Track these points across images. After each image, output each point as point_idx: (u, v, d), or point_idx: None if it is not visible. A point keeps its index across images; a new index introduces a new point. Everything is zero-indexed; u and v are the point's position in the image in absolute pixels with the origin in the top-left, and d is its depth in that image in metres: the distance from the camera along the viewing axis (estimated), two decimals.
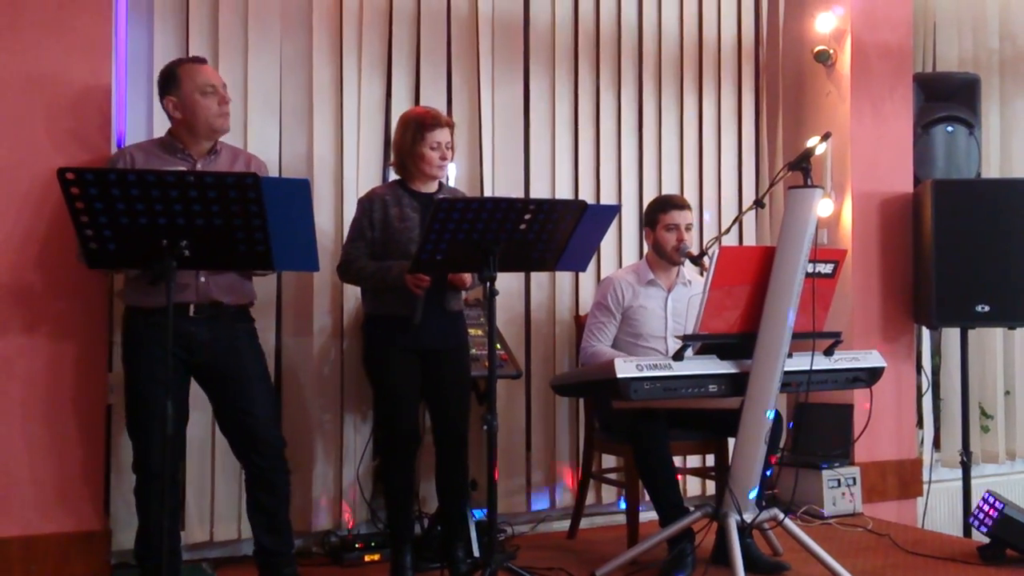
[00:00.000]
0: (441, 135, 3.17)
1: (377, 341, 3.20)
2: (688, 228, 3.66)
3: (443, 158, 3.19)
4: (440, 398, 3.23)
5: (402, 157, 3.23)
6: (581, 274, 4.17)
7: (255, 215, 2.39)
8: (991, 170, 5.09)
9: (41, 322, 3.09)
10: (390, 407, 3.18)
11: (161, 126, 3.40)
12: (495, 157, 4.04)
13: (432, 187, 3.26)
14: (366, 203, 3.21)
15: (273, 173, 3.54)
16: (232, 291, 2.92)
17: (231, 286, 2.92)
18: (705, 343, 3.08)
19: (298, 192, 2.48)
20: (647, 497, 3.43)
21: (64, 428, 3.10)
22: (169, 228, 2.38)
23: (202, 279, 2.85)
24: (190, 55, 3.16)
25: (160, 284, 2.61)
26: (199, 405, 3.07)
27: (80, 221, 2.34)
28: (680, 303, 3.68)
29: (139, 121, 3.42)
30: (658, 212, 3.67)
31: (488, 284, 2.82)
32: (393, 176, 3.37)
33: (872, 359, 3.29)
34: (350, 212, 3.71)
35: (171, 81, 2.91)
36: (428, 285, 3.00)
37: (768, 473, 3.29)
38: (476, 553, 3.34)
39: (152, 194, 2.33)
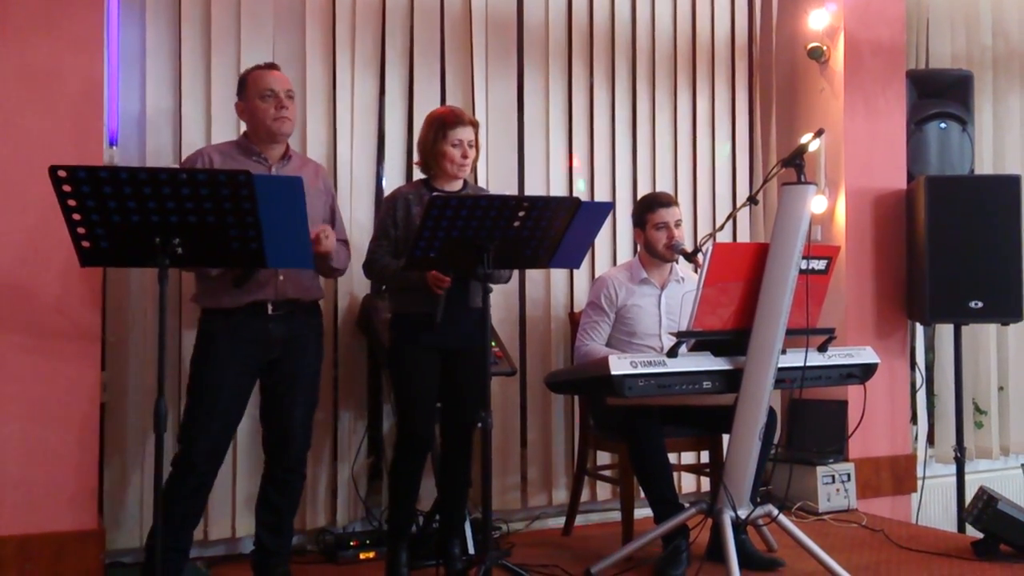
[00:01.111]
0: (463, 133, 3.17)
1: (401, 340, 3.20)
2: (678, 224, 3.64)
3: (464, 156, 3.17)
4: (456, 395, 3.21)
5: (425, 156, 3.23)
6: (576, 271, 4.17)
7: (248, 212, 2.39)
8: (984, 166, 5.11)
9: (34, 320, 3.08)
10: (407, 406, 3.19)
11: (153, 122, 3.42)
12: (489, 154, 4.04)
13: (456, 186, 3.25)
14: (390, 202, 3.23)
15: None
16: (307, 288, 3.00)
17: (305, 283, 2.99)
18: (699, 340, 3.08)
19: (291, 190, 2.47)
20: (642, 494, 3.43)
21: (58, 427, 3.09)
22: (162, 226, 2.37)
23: (281, 277, 2.91)
24: (264, 62, 3.15)
25: (244, 285, 2.82)
26: None
27: (72, 219, 2.34)
28: (674, 300, 3.67)
29: (131, 117, 3.41)
30: (646, 212, 3.65)
31: (482, 281, 2.82)
32: (418, 175, 3.36)
33: (866, 355, 3.30)
34: (343, 209, 3.71)
35: (241, 87, 3.04)
36: (448, 284, 3.00)
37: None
38: (472, 550, 3.35)
39: (144, 192, 2.32)
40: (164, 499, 2.84)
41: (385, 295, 3.52)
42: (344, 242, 3.16)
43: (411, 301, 3.13)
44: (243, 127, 3.11)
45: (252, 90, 2.98)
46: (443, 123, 3.17)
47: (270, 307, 2.91)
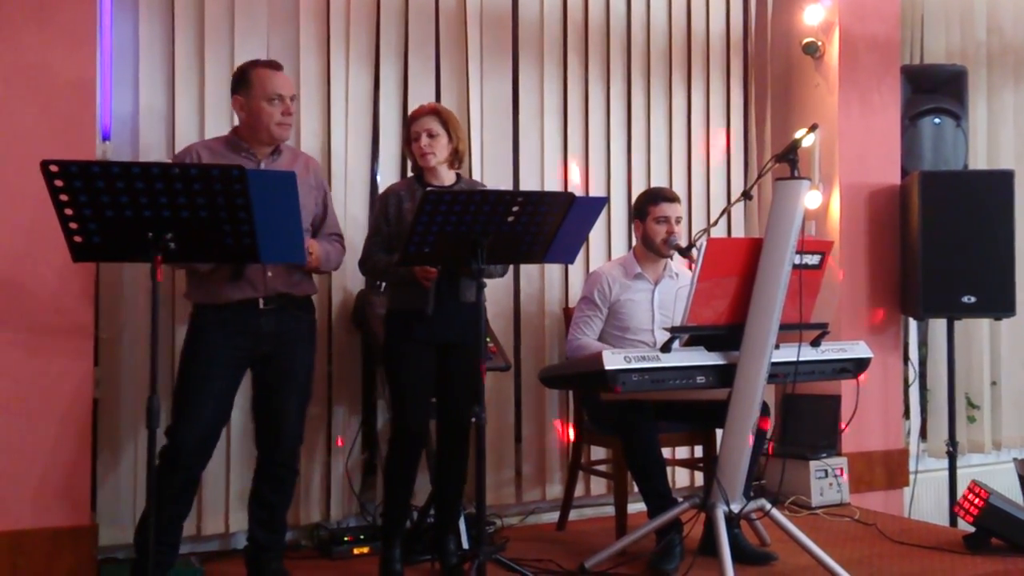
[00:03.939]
0: (419, 124, 3.18)
1: (395, 335, 3.20)
2: (678, 221, 3.66)
3: (424, 145, 3.16)
4: (451, 390, 3.22)
5: (408, 156, 3.28)
6: (570, 267, 4.17)
7: (241, 207, 2.39)
8: (978, 162, 5.11)
9: (27, 316, 3.07)
10: (400, 401, 3.19)
11: (146, 118, 3.41)
12: (484, 150, 4.04)
13: (449, 180, 3.25)
14: (382, 199, 3.25)
15: None
16: (296, 283, 2.98)
17: (294, 278, 2.97)
18: (693, 335, 3.08)
19: (284, 185, 2.47)
20: (636, 488, 3.44)
21: (50, 423, 3.09)
22: (155, 220, 2.37)
23: (269, 273, 2.90)
24: (266, 58, 3.14)
25: (239, 280, 2.82)
26: None
27: (64, 214, 2.33)
28: (667, 296, 3.68)
29: (124, 113, 3.40)
30: (648, 204, 3.67)
31: (475, 276, 2.82)
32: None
33: (859, 350, 3.30)
34: (337, 205, 3.71)
35: (242, 82, 2.95)
36: (435, 277, 3.02)
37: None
38: (466, 545, 3.35)
39: (137, 186, 2.31)
40: (152, 494, 2.85)
41: (380, 291, 3.53)
42: (338, 236, 3.16)
43: (405, 296, 3.15)
44: (235, 120, 3.08)
45: (258, 89, 2.92)
46: (407, 122, 3.25)
47: (261, 302, 2.90)
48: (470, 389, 3.13)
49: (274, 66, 3.00)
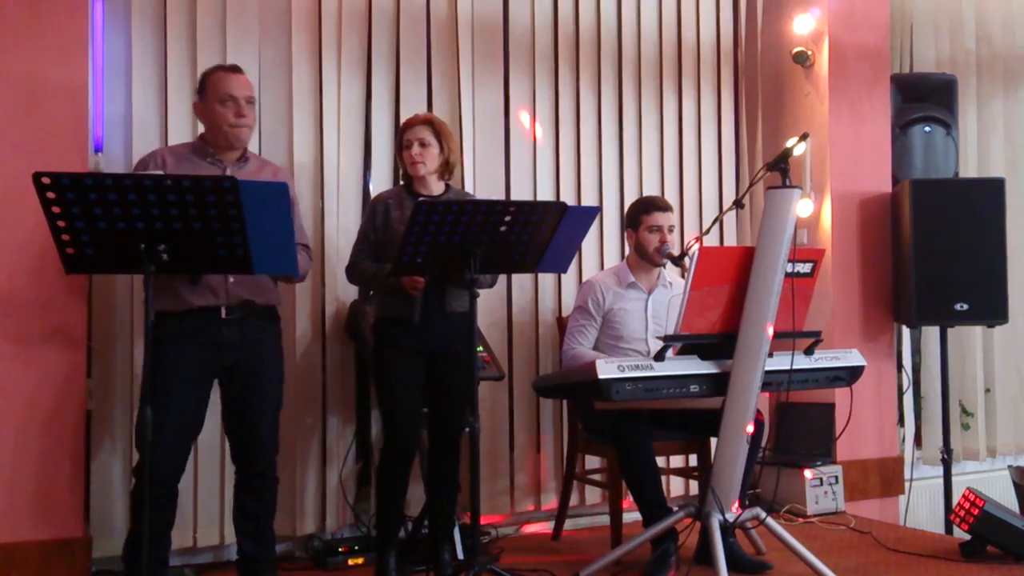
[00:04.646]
0: (412, 133, 3.20)
1: (383, 344, 3.20)
2: (671, 230, 3.66)
3: (415, 154, 3.17)
4: (441, 399, 3.22)
5: (400, 162, 3.29)
6: (563, 276, 4.17)
7: (233, 219, 2.38)
8: (968, 170, 5.14)
9: (18, 328, 3.06)
10: (390, 410, 3.18)
11: (139, 128, 3.40)
12: (475, 159, 4.04)
13: (439, 189, 3.26)
14: (371, 208, 3.26)
15: None
16: (260, 291, 2.92)
17: (258, 286, 2.91)
18: (686, 343, 3.08)
19: (276, 196, 2.46)
20: (631, 498, 3.43)
21: (44, 435, 3.08)
22: (147, 232, 2.36)
23: (231, 280, 2.85)
24: (226, 63, 3.11)
25: (197, 285, 2.74)
26: None
27: (57, 226, 2.32)
28: (660, 305, 3.68)
29: (117, 123, 3.40)
30: (640, 213, 3.68)
31: (468, 286, 2.82)
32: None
33: (852, 358, 3.30)
34: (330, 215, 3.71)
35: (200, 86, 2.95)
36: (423, 286, 3.02)
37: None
38: (461, 555, 3.34)
39: (129, 198, 2.31)
40: (133, 510, 2.83)
41: (371, 301, 3.53)
42: (305, 246, 3.09)
43: (391, 305, 3.15)
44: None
45: (212, 92, 2.89)
46: (401, 130, 3.26)
47: (223, 311, 2.84)
48: (461, 399, 3.14)
49: (229, 69, 2.97)
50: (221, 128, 2.90)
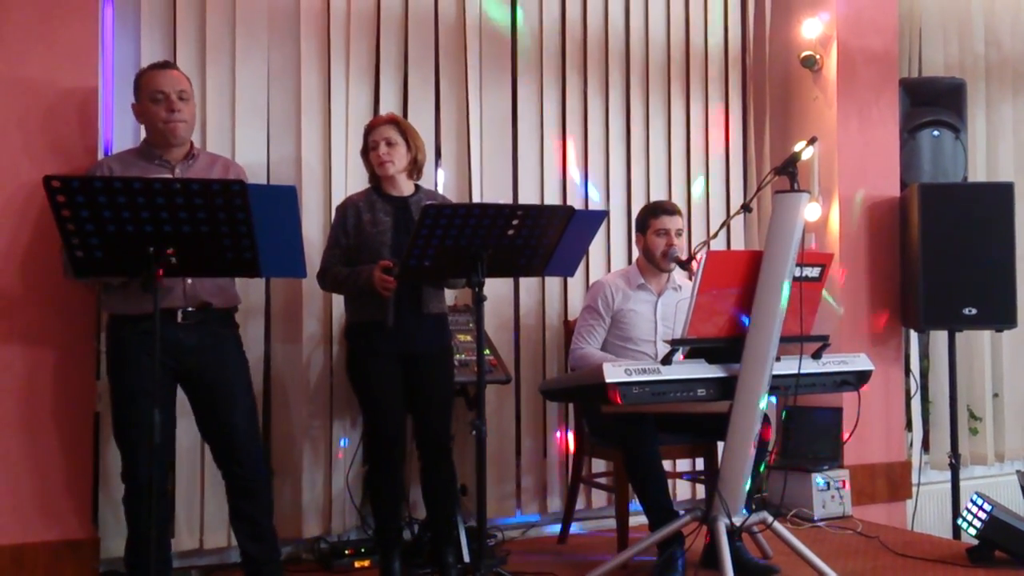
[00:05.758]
0: (376, 133, 3.20)
1: (358, 348, 3.21)
2: (679, 234, 3.67)
3: (383, 153, 3.17)
4: (422, 404, 3.22)
5: (366, 164, 3.29)
6: (570, 279, 4.17)
7: (241, 222, 2.39)
8: (977, 174, 5.12)
9: (26, 331, 3.08)
10: (373, 414, 3.19)
11: None
12: (483, 163, 4.05)
13: (407, 190, 3.27)
14: (341, 211, 3.25)
15: (260, 180, 3.54)
16: (219, 294, 2.91)
17: (218, 288, 2.90)
18: (693, 347, 3.08)
19: (285, 199, 2.47)
20: (637, 501, 3.43)
21: (51, 437, 3.09)
22: (156, 235, 2.37)
23: (189, 281, 2.83)
24: (156, 60, 3.07)
25: (150, 289, 2.60)
26: (188, 412, 3.06)
27: (66, 229, 2.33)
28: (669, 308, 3.69)
29: (126, 129, 3.41)
30: (649, 217, 3.69)
31: (476, 290, 2.82)
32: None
33: (860, 362, 3.30)
34: None
35: (135, 88, 2.93)
36: (395, 286, 3.01)
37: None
38: (466, 559, 3.34)
39: (138, 201, 2.32)
40: (129, 516, 2.84)
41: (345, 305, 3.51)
42: None
43: (364, 308, 3.14)
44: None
45: (144, 92, 2.86)
46: (365, 132, 3.25)
47: (180, 315, 2.82)
48: (442, 403, 3.14)
49: (160, 65, 2.94)
50: (156, 126, 2.87)
